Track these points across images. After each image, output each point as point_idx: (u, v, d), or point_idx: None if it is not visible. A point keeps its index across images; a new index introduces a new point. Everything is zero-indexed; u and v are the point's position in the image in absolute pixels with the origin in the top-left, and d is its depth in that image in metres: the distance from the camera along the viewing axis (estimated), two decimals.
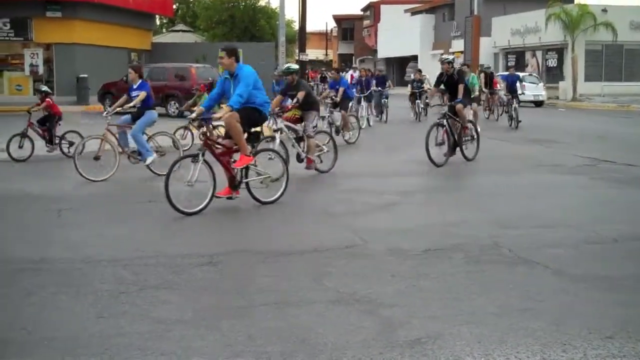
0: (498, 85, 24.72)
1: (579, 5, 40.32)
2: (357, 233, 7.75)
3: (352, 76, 25.33)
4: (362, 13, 75.48)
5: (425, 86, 25.71)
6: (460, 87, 13.50)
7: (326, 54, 79.02)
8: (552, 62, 41.72)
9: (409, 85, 27.82)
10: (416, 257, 6.77)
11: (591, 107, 33.65)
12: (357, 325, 4.93)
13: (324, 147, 12.47)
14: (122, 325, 4.92)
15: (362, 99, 22.75)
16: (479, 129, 14.48)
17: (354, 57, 75.46)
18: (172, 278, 6.06)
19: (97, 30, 32.92)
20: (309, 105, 12.18)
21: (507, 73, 26.50)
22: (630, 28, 39.66)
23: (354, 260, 6.69)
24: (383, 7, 68.12)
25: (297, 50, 38.31)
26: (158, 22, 52.78)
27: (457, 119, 13.53)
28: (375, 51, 68.56)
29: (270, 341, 4.65)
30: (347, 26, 79.70)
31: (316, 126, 12.70)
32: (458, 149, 13.65)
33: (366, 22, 73.80)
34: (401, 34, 60.26)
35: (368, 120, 22.53)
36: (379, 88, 24.12)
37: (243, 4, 45.80)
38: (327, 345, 4.58)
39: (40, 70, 32.74)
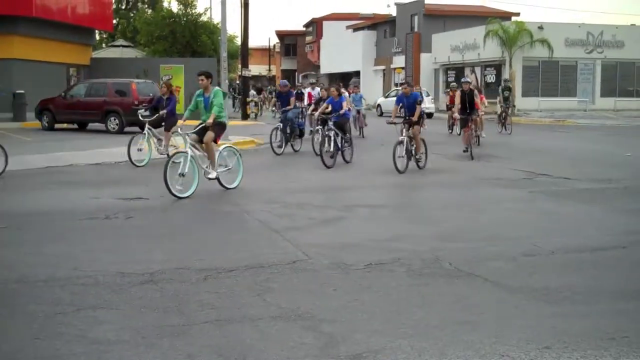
0: (481, 107, 19.26)
1: (516, 23, 41.30)
2: (301, 248, 7.75)
3: (310, 94, 22.48)
4: (304, 29, 75.84)
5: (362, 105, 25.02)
6: None
7: (269, 70, 79.01)
8: (491, 78, 42.55)
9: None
10: (359, 271, 6.80)
11: (528, 122, 34.40)
12: (299, 341, 4.91)
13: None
14: (59, 347, 4.80)
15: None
16: None
17: (296, 73, 75.70)
18: (110, 297, 5.95)
19: (35, 45, 32.25)
20: None
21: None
22: (566, 45, 40.74)
23: (297, 276, 6.68)
24: (325, 24, 68.58)
25: (239, 66, 38.23)
26: (98, 37, 52.02)
27: None
28: (318, 67, 68.93)
29: (210, 359, 4.59)
30: (289, 42, 79.94)
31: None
32: None
33: (309, 38, 74.17)
34: (343, 50, 60.75)
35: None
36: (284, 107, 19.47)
37: (184, 19, 45.37)
38: None
39: None
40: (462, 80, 19.19)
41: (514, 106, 27.92)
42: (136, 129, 22.84)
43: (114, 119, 25.22)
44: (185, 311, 5.58)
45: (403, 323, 5.30)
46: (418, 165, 15.05)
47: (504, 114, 26.58)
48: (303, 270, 6.85)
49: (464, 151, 17.50)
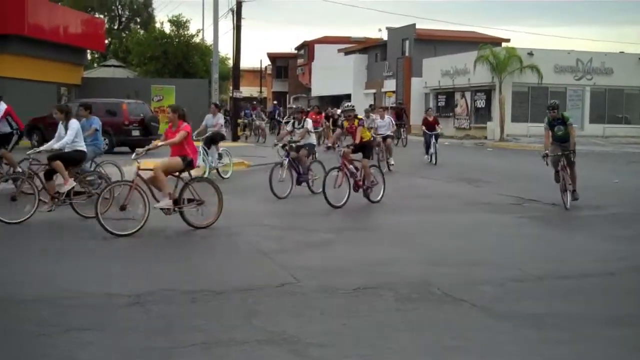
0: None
1: (506, 48, 41.59)
2: (289, 271, 7.72)
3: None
4: (296, 52, 76.20)
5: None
6: None
7: (260, 91, 79.27)
8: (481, 103, 42.75)
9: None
10: (347, 295, 6.78)
11: (518, 147, 34.54)
12: None
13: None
14: None
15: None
16: None
17: (288, 95, 75.95)
18: (97, 318, 5.91)
19: (27, 64, 32.21)
20: None
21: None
22: (555, 71, 41.05)
23: (285, 299, 6.66)
24: (317, 46, 68.95)
25: (231, 87, 38.33)
26: (89, 57, 52.07)
27: None
28: (310, 89, 69.18)
29: None
30: (281, 64, 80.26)
31: None
32: None
33: (300, 61, 74.49)
34: (335, 73, 60.99)
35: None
36: None
37: (177, 40, 45.59)
38: None
39: None
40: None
41: (573, 152, 13.71)
42: (126, 149, 22.83)
43: (104, 139, 25.09)
44: (172, 334, 5.55)
45: (390, 348, 5.28)
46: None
47: (561, 163, 13.51)
48: (291, 294, 6.83)
49: None
